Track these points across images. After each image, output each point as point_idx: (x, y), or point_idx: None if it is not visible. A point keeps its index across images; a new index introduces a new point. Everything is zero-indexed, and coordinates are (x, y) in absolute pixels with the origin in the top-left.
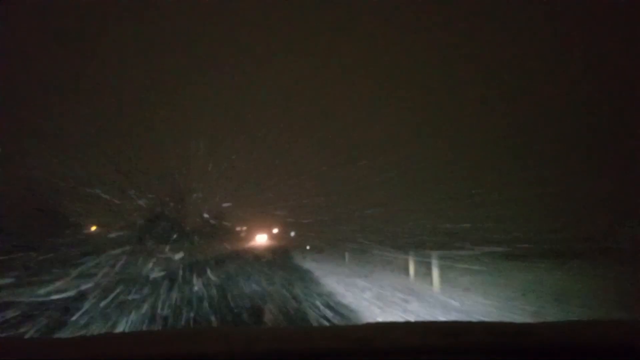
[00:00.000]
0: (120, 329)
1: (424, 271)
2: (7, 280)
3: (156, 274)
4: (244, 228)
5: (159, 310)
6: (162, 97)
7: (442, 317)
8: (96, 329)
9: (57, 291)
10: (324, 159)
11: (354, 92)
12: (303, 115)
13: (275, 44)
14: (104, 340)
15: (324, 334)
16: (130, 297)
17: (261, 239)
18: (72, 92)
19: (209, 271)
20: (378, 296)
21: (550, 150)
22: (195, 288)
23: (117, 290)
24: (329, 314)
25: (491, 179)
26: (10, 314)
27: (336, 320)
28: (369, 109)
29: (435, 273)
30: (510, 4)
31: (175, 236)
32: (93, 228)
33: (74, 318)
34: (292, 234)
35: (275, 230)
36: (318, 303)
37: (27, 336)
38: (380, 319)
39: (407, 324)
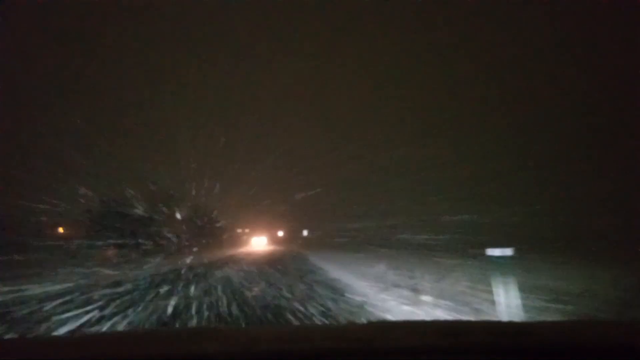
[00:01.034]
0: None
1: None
2: None
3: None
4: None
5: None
6: (160, 96)
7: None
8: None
9: None
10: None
11: (347, 101)
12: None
13: (274, 44)
14: (104, 340)
15: (324, 334)
16: None
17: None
18: (70, 92)
19: None
20: None
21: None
22: None
23: None
24: None
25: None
26: None
27: None
28: (367, 112)
29: None
30: (511, 3)
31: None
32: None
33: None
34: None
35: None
36: None
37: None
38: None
39: (407, 324)
